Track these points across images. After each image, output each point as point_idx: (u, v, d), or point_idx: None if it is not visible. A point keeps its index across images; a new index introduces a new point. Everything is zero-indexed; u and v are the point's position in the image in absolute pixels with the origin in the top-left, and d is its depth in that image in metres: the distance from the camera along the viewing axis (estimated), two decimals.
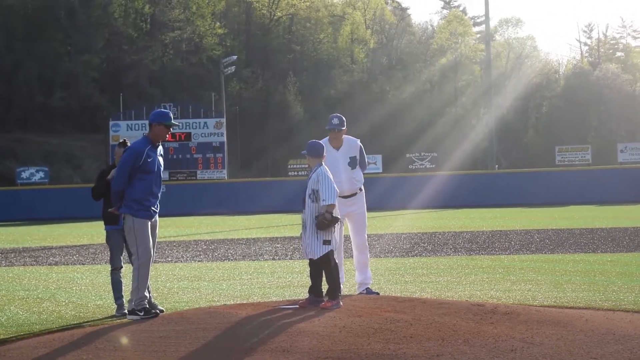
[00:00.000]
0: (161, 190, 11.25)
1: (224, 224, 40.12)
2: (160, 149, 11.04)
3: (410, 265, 18.33)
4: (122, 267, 12.39)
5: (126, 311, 11.39)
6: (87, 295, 14.41)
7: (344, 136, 12.35)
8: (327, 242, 10.62)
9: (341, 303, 10.50)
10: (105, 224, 12.34)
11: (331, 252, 10.66)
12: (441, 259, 19.78)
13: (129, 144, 11.84)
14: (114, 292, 12.31)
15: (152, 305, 11.01)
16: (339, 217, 10.76)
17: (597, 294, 12.91)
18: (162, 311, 11.08)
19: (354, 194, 12.24)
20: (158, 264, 20.27)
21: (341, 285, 10.92)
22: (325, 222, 10.58)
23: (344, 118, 12.34)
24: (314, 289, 10.86)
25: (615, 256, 19.23)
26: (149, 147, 10.80)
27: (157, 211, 11.06)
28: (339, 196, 11.54)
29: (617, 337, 8.80)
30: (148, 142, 10.86)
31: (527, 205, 49.29)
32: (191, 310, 11.31)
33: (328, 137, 12.25)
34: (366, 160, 12.55)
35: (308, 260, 10.97)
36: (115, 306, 12.24)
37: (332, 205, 10.61)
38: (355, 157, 12.24)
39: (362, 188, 12.40)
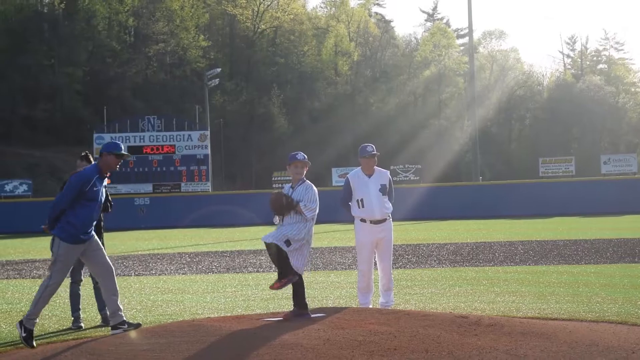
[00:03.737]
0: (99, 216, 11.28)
1: (208, 237, 40.04)
2: (105, 181, 11.07)
3: (394, 277, 18.22)
4: (82, 280, 12.58)
5: (80, 322, 11.56)
6: (70, 308, 14.33)
7: (376, 167, 12.77)
8: (288, 243, 10.70)
9: (296, 277, 10.76)
10: None
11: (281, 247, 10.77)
12: (425, 271, 19.78)
13: (91, 158, 12.06)
14: (71, 304, 12.53)
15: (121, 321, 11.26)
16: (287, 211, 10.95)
17: (580, 305, 12.93)
18: (139, 325, 11.16)
19: (384, 220, 12.61)
20: (142, 277, 20.21)
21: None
22: (280, 198, 10.86)
23: (375, 147, 12.85)
24: (298, 301, 10.88)
25: (599, 267, 19.28)
26: (97, 177, 10.83)
27: (90, 235, 10.92)
28: (370, 221, 12.40)
29: (600, 348, 8.80)
30: (97, 171, 10.90)
31: (511, 216, 49.38)
32: (175, 323, 11.27)
33: (360, 167, 12.76)
34: (393, 192, 12.96)
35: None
36: (72, 318, 12.36)
37: (299, 209, 10.82)
38: (385, 185, 12.65)
39: (390, 216, 12.75)
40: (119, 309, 10.87)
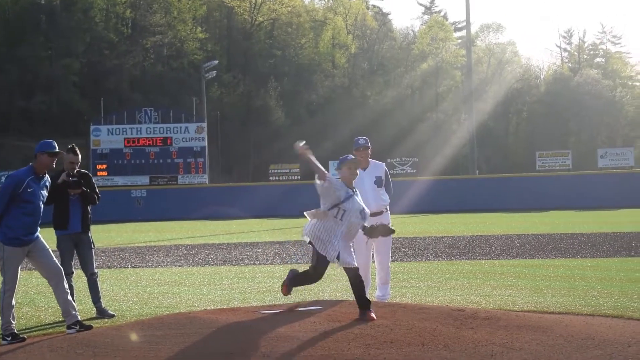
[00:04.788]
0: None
1: (204, 229, 40.02)
2: (46, 180, 11.00)
3: (391, 270, 18.28)
4: (73, 272, 12.50)
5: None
6: None
7: (370, 159, 12.85)
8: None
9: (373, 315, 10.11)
10: (55, 229, 12.39)
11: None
12: (422, 264, 19.78)
13: (77, 150, 12.22)
14: None
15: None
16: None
17: (577, 299, 12.94)
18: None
19: (380, 212, 12.60)
20: (138, 269, 20.18)
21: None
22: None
23: (368, 139, 12.91)
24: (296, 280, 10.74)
25: (595, 261, 19.31)
26: (31, 178, 10.70)
27: (34, 237, 10.83)
28: None
29: (596, 342, 8.81)
30: (31, 172, 10.76)
31: (508, 210, 49.41)
32: (171, 315, 11.28)
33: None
34: (391, 184, 12.98)
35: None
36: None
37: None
38: (380, 177, 12.75)
39: (388, 209, 12.81)
40: (73, 309, 10.91)
